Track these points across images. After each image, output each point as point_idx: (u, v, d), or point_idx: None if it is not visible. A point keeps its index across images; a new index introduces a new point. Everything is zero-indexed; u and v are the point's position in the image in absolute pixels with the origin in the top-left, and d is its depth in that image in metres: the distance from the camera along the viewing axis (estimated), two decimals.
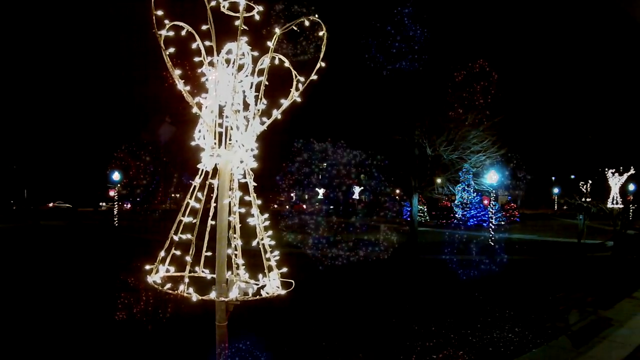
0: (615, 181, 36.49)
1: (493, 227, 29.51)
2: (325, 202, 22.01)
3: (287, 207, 23.40)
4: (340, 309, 14.53)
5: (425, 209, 51.13)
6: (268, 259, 5.18)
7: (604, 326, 12.50)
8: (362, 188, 21.83)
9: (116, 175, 41.35)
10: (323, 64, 5.42)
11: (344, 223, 22.34)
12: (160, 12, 4.69)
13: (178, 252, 5.19)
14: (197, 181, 5.10)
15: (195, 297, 4.88)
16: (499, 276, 20.49)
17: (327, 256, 21.70)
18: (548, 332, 12.06)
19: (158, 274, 5.10)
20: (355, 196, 22.13)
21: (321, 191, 21.60)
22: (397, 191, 24.05)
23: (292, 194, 23.35)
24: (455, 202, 40.41)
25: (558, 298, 15.98)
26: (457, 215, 41.62)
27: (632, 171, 35.31)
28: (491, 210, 31.45)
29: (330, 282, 18.75)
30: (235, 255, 5.13)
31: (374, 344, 11.26)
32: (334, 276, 19.98)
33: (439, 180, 33.46)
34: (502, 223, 41.85)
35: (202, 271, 5.49)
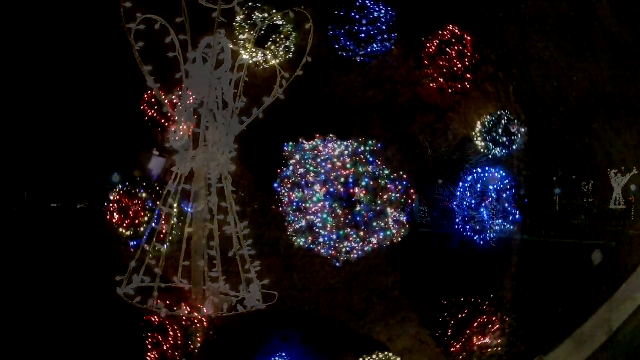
0: (617, 182, 36.18)
1: (495, 228, 29.20)
2: (327, 197, 21.58)
3: (289, 209, 22.92)
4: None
5: (426, 210, 51.01)
6: (247, 271, 4.78)
7: (608, 328, 12.26)
8: (363, 188, 21.39)
9: (115, 177, 41.40)
10: (310, 59, 5.08)
11: (349, 215, 21.97)
12: (128, 4, 4.31)
13: (153, 262, 4.81)
14: (171, 186, 4.71)
15: (164, 312, 4.47)
16: (501, 278, 20.15)
17: (341, 253, 21.46)
18: (552, 336, 11.81)
19: (130, 285, 4.71)
20: (356, 191, 21.72)
21: (320, 189, 21.22)
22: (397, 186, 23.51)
23: (292, 196, 22.93)
24: (457, 203, 40.17)
25: (561, 301, 15.69)
26: (458, 217, 41.35)
27: (634, 172, 35.04)
28: (493, 211, 31.08)
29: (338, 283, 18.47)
30: (215, 264, 4.76)
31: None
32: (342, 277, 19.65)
33: (440, 181, 33.14)
34: (505, 224, 41.46)
35: (180, 281, 5.10)
